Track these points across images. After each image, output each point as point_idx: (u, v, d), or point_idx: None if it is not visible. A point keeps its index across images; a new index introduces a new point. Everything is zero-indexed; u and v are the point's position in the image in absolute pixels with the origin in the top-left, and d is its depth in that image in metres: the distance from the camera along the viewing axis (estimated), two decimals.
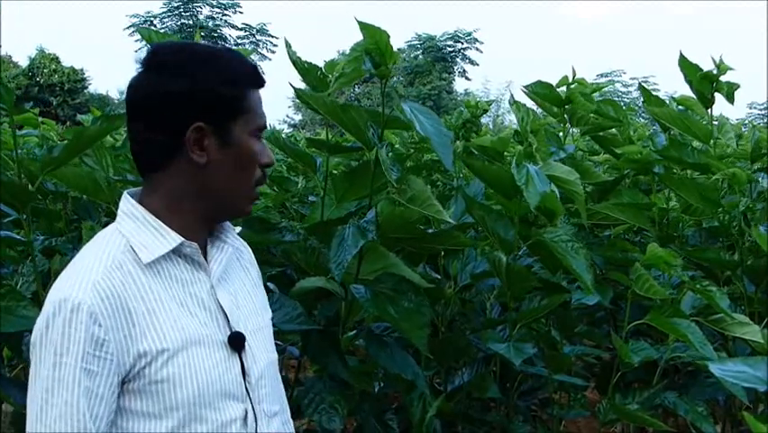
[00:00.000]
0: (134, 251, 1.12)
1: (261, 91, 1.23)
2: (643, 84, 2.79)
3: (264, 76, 1.24)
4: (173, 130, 1.14)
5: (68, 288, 1.07)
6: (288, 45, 1.75)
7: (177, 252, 1.16)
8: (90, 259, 1.11)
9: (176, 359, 1.10)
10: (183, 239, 1.15)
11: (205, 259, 1.20)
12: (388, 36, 1.64)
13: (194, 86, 1.13)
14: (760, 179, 2.38)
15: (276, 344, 1.80)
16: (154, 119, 1.15)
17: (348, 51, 1.68)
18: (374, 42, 1.63)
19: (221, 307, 1.19)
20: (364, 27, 1.64)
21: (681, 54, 2.36)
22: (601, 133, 2.63)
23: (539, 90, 2.44)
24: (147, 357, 1.08)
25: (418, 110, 1.68)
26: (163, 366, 1.09)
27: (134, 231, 1.14)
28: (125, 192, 1.19)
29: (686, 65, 2.36)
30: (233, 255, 1.25)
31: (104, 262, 1.10)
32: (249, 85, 1.19)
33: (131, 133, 1.18)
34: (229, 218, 1.25)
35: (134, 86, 1.17)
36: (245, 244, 1.32)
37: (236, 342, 1.18)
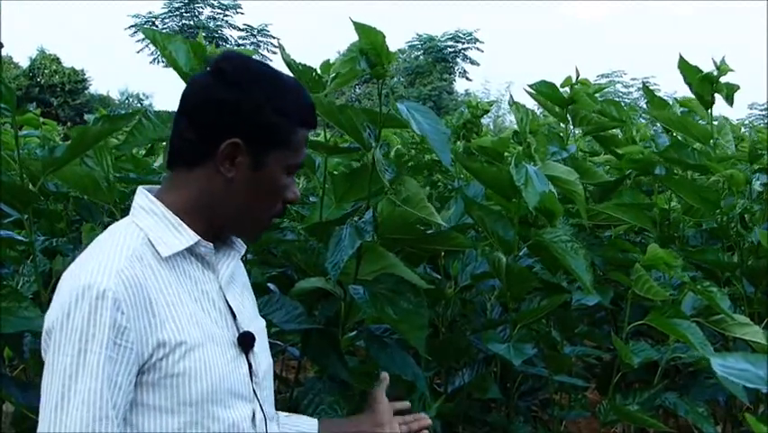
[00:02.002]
0: (152, 244, 1.13)
1: None
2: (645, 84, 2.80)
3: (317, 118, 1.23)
4: (210, 136, 1.14)
5: (90, 275, 1.07)
6: (281, 48, 1.75)
7: (191, 250, 1.17)
8: (110, 249, 1.11)
9: (193, 353, 1.11)
10: (199, 238, 1.16)
11: None
12: (384, 36, 1.63)
13: (244, 102, 1.14)
14: (756, 180, 2.37)
15: (276, 344, 1.81)
16: (197, 120, 1.16)
17: (344, 52, 1.68)
18: (369, 42, 1.63)
19: (229, 307, 1.20)
20: (359, 27, 1.63)
21: (680, 56, 2.37)
22: (603, 134, 2.63)
23: (543, 90, 2.44)
24: (165, 348, 1.09)
25: (415, 109, 1.66)
26: (180, 359, 1.09)
27: (152, 226, 1.15)
28: (140, 188, 1.20)
29: (686, 67, 2.36)
30: (238, 261, 1.26)
31: (125, 252, 1.10)
32: (299, 122, 1.19)
33: (175, 124, 1.19)
34: (237, 236, 1.26)
35: (193, 82, 1.20)
36: None
37: (246, 342, 1.19)
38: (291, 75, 1.22)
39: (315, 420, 1.44)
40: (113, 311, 1.05)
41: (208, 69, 1.18)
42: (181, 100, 1.18)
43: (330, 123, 1.77)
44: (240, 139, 1.14)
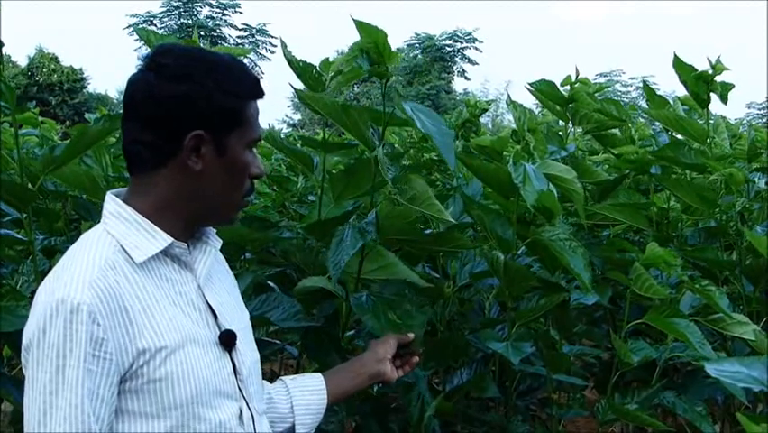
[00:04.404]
0: (125, 251, 1.12)
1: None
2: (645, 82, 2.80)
3: (263, 86, 1.23)
4: (170, 134, 1.13)
5: (64, 289, 1.06)
6: (283, 45, 1.75)
7: (165, 252, 1.16)
8: (82, 260, 1.10)
9: (174, 357, 1.10)
10: (173, 239, 1.15)
11: None
12: (386, 35, 1.62)
13: (195, 93, 1.13)
14: (756, 179, 2.37)
15: (273, 343, 1.81)
16: (151, 121, 1.14)
17: (346, 51, 1.67)
18: (371, 41, 1.62)
19: (209, 306, 1.19)
20: (360, 25, 1.62)
21: (675, 55, 2.36)
22: (602, 132, 2.63)
23: (543, 89, 2.44)
24: (146, 355, 1.08)
25: (419, 109, 1.66)
26: (161, 364, 1.09)
27: (124, 232, 1.14)
28: (109, 193, 1.19)
29: (680, 66, 2.35)
30: (215, 256, 1.25)
31: (97, 263, 1.09)
32: (249, 96, 1.19)
33: (126, 132, 1.17)
34: (214, 225, 1.26)
35: (134, 84, 1.16)
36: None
37: (228, 340, 1.19)
38: (223, 52, 1.23)
39: (320, 375, 1.45)
40: (88, 324, 1.04)
41: (144, 67, 1.16)
42: (127, 105, 1.16)
43: (331, 121, 1.77)
44: (201, 129, 1.13)
